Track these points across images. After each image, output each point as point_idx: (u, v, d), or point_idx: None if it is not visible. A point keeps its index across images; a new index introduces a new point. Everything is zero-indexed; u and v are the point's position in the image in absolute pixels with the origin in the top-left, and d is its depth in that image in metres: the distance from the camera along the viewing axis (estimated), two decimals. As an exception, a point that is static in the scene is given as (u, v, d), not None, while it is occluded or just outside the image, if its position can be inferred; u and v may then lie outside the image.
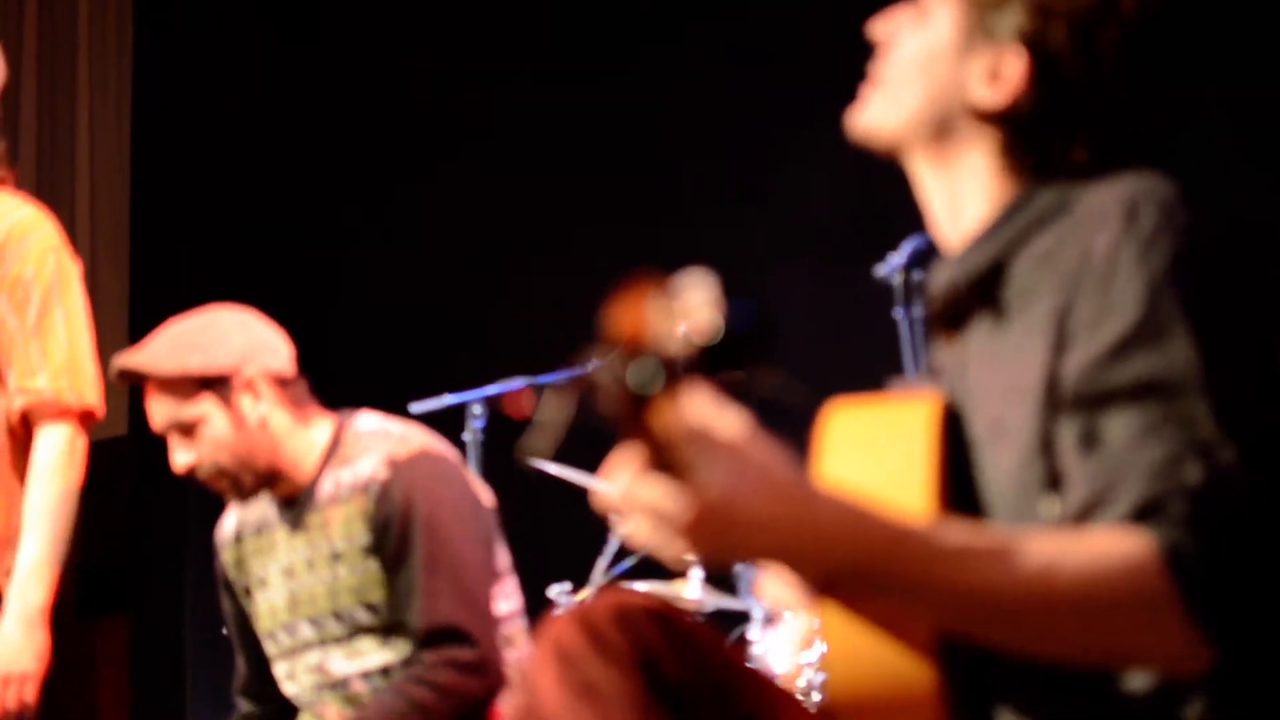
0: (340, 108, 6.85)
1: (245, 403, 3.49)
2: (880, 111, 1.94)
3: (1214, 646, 1.59)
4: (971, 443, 1.82)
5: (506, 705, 3.45)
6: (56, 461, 3.51)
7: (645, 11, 6.29)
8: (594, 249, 5.69)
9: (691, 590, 4.63)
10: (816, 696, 2.97)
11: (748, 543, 1.55)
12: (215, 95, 6.93)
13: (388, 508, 3.44)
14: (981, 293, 1.85)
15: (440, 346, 6.29)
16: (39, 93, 7.24)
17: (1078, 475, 1.67)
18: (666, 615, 1.82)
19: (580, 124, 6.30)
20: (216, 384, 3.48)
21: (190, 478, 3.57)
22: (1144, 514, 1.60)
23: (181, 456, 3.52)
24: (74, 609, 6.77)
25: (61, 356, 3.53)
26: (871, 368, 3.78)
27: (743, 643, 4.38)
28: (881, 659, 1.70)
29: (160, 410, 3.50)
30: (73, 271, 3.62)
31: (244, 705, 3.82)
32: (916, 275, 4.03)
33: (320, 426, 3.60)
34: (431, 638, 3.40)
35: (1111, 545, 1.59)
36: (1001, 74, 1.86)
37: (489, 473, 4.99)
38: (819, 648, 3.91)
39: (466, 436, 5.07)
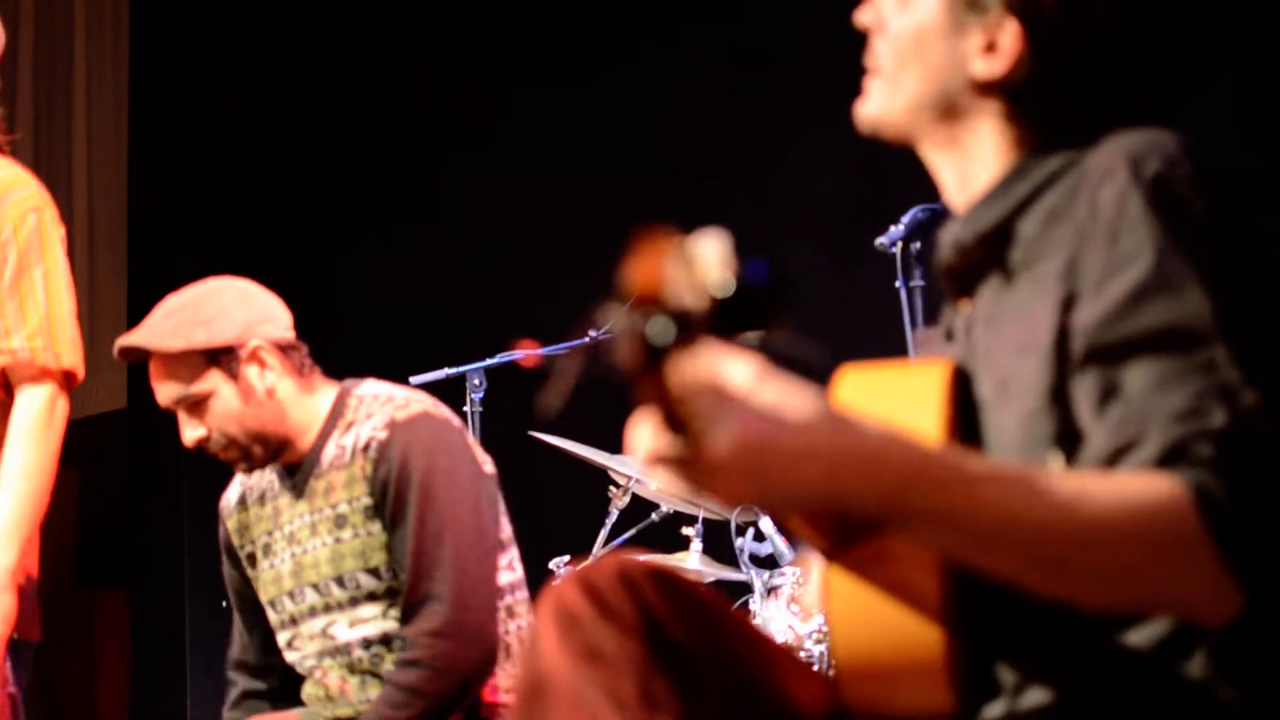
0: (338, 82, 6.84)
1: (252, 373, 3.49)
2: (884, 101, 1.94)
3: (1242, 590, 1.60)
4: (979, 404, 1.82)
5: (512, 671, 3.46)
6: (34, 423, 3.46)
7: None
8: (595, 221, 5.68)
9: (691, 561, 4.63)
10: (816, 668, 2.97)
11: (781, 480, 1.53)
12: (211, 75, 6.92)
13: (386, 467, 3.45)
14: (989, 252, 1.85)
15: (440, 319, 6.29)
16: (35, 76, 7.22)
17: (1099, 426, 1.67)
18: (669, 579, 1.82)
19: (580, 96, 6.29)
20: (222, 357, 3.48)
21: (198, 451, 3.57)
22: (1170, 458, 1.61)
23: (191, 431, 3.52)
24: (74, 581, 6.80)
25: (38, 317, 3.48)
26: (871, 338, 3.78)
27: (744, 614, 4.37)
28: (888, 623, 1.70)
29: (166, 388, 3.50)
30: (55, 233, 3.58)
31: (239, 680, 3.81)
32: (916, 246, 4.02)
33: (324, 393, 3.60)
34: (409, 610, 3.43)
35: (1141, 481, 1.60)
36: (997, 44, 1.86)
37: (488, 445, 4.97)
38: (819, 619, 3.94)
39: (466, 408, 5.06)
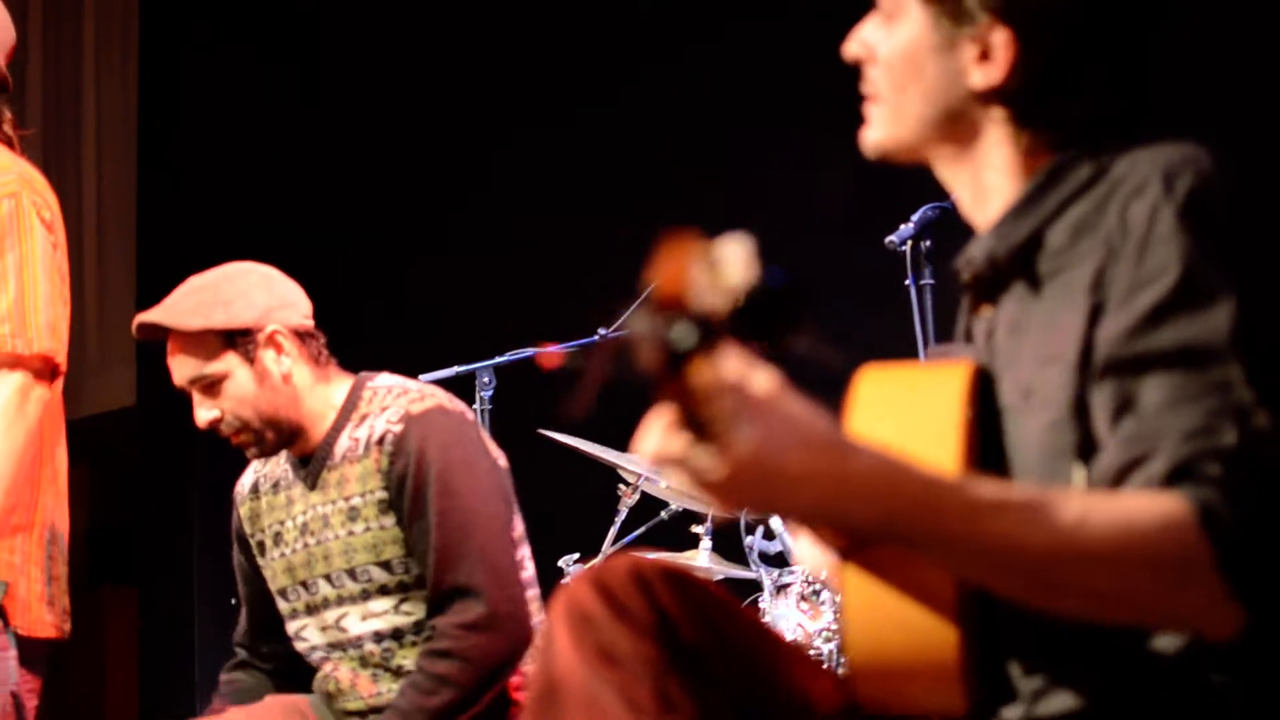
0: (349, 77, 6.83)
1: (269, 358, 3.50)
2: (888, 127, 1.93)
3: (1244, 609, 1.60)
4: (1001, 410, 1.82)
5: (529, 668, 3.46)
6: (3, 410, 3.42)
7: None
8: (605, 220, 5.69)
9: (701, 560, 4.63)
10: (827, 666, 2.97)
11: (785, 496, 1.56)
12: (220, 70, 6.91)
13: (402, 461, 3.45)
14: (1018, 263, 1.85)
15: (449, 316, 6.29)
16: (44, 72, 7.22)
17: (1112, 439, 1.67)
18: (682, 578, 1.81)
19: (595, 97, 6.29)
20: (241, 339, 3.49)
21: (208, 445, 3.57)
22: (1179, 476, 1.61)
23: (204, 413, 3.53)
24: (83, 578, 6.79)
25: (7, 303, 3.43)
26: (882, 337, 3.77)
27: (754, 612, 4.37)
28: (903, 623, 1.70)
29: (183, 367, 3.51)
30: (34, 218, 3.52)
31: (241, 654, 3.83)
32: (926, 244, 4.02)
33: (339, 384, 3.61)
34: (441, 601, 3.42)
35: (1145, 503, 1.60)
36: (990, 52, 1.84)
37: (497, 443, 4.99)
38: (829, 616, 3.94)
39: (475, 406, 5.06)
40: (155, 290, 3.64)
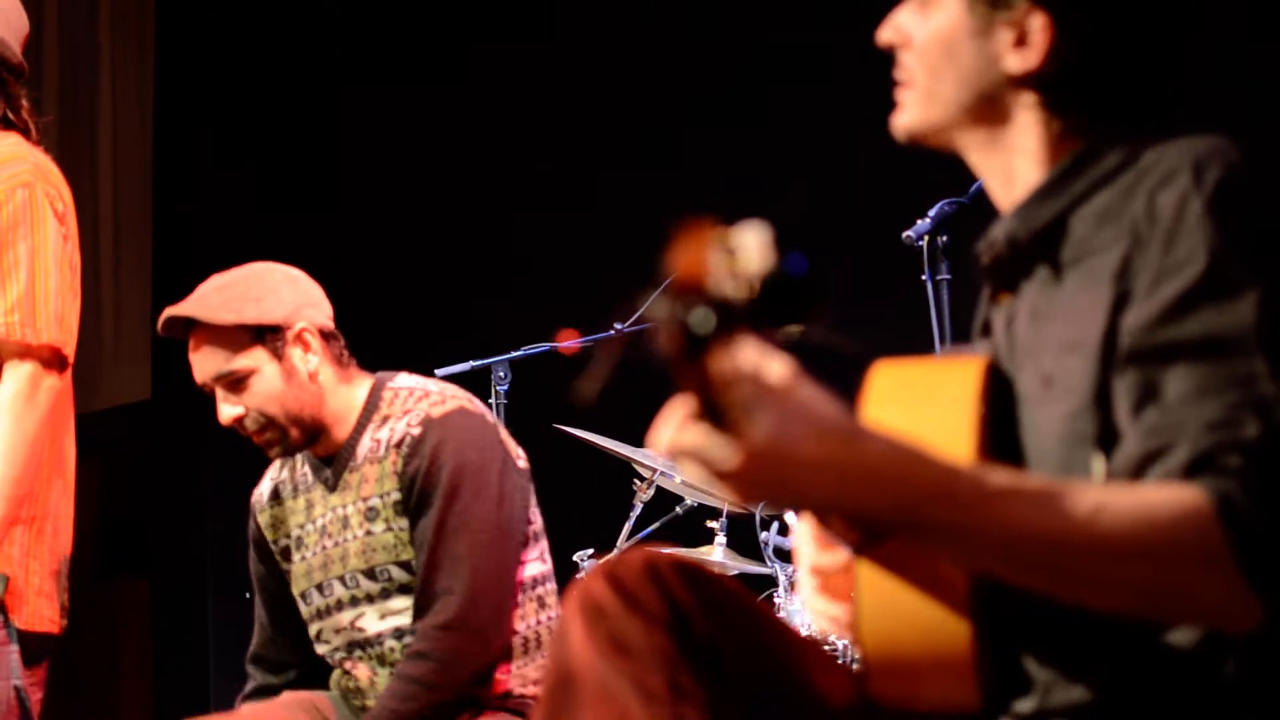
0: (362, 68, 6.84)
1: (296, 355, 3.50)
2: (920, 111, 1.93)
3: (1263, 603, 1.59)
4: (1018, 400, 1.82)
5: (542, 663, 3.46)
6: (13, 400, 3.43)
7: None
8: (623, 212, 5.68)
9: (715, 555, 4.63)
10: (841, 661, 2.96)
11: (799, 485, 1.55)
12: (236, 63, 6.92)
13: (417, 462, 3.45)
14: (1039, 248, 1.84)
15: (464, 311, 6.29)
16: (61, 65, 7.22)
17: (1133, 429, 1.67)
18: (695, 572, 1.81)
19: (610, 87, 6.28)
20: (270, 336, 3.49)
21: (225, 439, 3.56)
22: (1199, 467, 1.60)
23: (228, 409, 3.52)
24: (95, 572, 6.80)
25: (17, 292, 3.45)
26: (898, 332, 3.77)
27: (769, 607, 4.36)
28: (916, 617, 1.70)
29: (209, 362, 3.49)
30: (46, 209, 3.53)
31: (256, 676, 3.80)
32: (943, 239, 4.01)
33: (360, 385, 3.61)
34: (424, 600, 3.43)
35: (1164, 494, 1.60)
36: (1027, 37, 1.84)
37: (513, 436, 4.99)
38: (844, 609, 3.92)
39: (491, 401, 5.06)
40: (170, 284, 3.64)
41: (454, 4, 6.72)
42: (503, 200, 6.42)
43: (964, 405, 1.77)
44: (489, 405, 5.06)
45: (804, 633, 3.68)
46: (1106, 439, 1.71)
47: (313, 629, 3.66)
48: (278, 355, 3.49)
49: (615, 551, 4.78)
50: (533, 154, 6.38)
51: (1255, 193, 1.71)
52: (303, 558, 3.65)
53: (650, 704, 1.71)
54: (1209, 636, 1.67)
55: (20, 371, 3.46)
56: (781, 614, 4.15)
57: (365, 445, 3.54)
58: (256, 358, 3.48)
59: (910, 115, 1.94)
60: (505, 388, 5.09)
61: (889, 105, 1.96)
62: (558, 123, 6.38)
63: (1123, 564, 1.59)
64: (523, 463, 3.62)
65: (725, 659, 1.77)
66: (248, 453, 3.70)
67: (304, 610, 3.67)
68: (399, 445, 3.48)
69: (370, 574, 3.51)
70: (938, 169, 2.06)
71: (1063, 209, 1.82)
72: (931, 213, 4.01)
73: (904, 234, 4.03)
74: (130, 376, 7.02)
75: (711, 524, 4.69)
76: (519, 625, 3.51)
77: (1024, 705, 1.76)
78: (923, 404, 1.79)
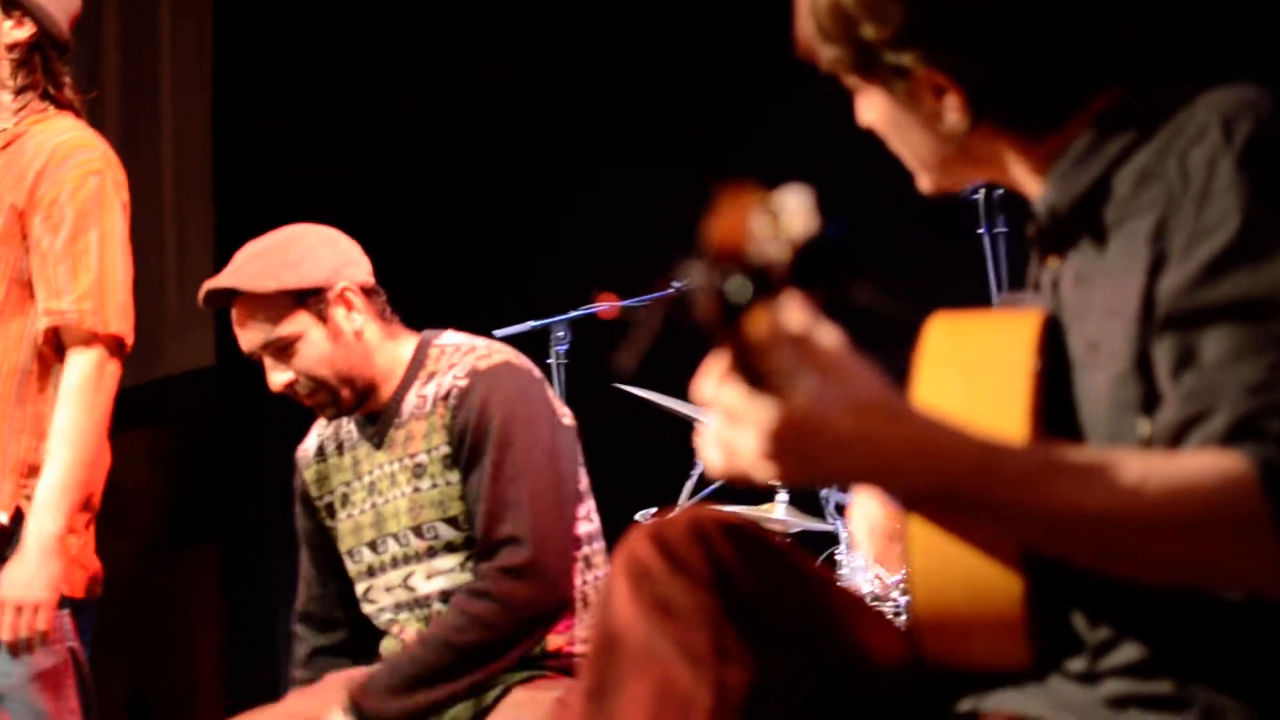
0: (413, 33, 6.84)
1: (340, 315, 3.49)
2: (924, 180, 1.95)
3: None
4: (1070, 363, 1.80)
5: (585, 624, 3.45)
6: (81, 386, 3.49)
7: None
8: (676, 171, 5.66)
9: (777, 512, 4.62)
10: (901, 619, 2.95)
11: (833, 460, 1.53)
12: (292, 26, 6.93)
13: (465, 414, 3.44)
14: (1081, 216, 1.82)
15: (524, 271, 6.29)
16: (121, 27, 7.26)
17: (1172, 395, 1.64)
18: (744, 531, 1.80)
19: (657, 47, 6.26)
20: (312, 299, 3.47)
21: (285, 402, 3.56)
22: (1239, 432, 1.57)
23: (278, 376, 3.51)
24: (167, 540, 6.87)
25: (89, 280, 3.51)
26: (955, 285, 3.74)
27: (831, 565, 4.36)
28: (967, 575, 1.69)
29: (254, 332, 3.48)
30: (115, 198, 3.59)
31: (307, 636, 3.80)
32: (999, 192, 3.98)
33: (405, 342, 3.61)
34: (489, 548, 3.41)
35: (1204, 462, 1.57)
36: (943, 94, 1.83)
37: (572, 397, 4.98)
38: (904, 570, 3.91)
39: (550, 361, 5.07)
40: (233, 252, 3.64)
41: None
42: (564, 158, 6.41)
43: (1020, 362, 1.75)
44: (548, 366, 5.07)
45: (866, 591, 3.69)
46: (1151, 404, 1.68)
47: (360, 587, 3.66)
48: (322, 317, 3.48)
49: (677, 509, 4.78)
50: (596, 112, 6.37)
51: None
52: (349, 515, 3.65)
53: (694, 665, 1.71)
54: (1259, 599, 1.64)
55: (87, 358, 3.51)
56: (843, 571, 4.14)
57: (411, 401, 3.53)
58: (301, 322, 3.47)
59: (921, 183, 1.96)
60: (565, 348, 5.09)
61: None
62: (619, 79, 6.36)
63: (1165, 537, 1.57)
64: (568, 420, 3.61)
65: (772, 618, 1.75)
66: (311, 414, 3.70)
67: (351, 568, 3.67)
68: (445, 398, 3.46)
69: (418, 531, 3.51)
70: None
71: (1101, 173, 1.79)
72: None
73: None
74: (195, 343, 7.06)
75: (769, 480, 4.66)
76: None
77: (1075, 665, 1.75)
78: (979, 359, 1.78)
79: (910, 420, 1.56)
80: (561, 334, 5.08)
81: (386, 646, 3.63)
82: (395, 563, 3.57)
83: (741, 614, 1.74)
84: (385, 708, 3.35)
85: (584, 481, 3.60)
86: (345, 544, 3.68)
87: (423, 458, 3.49)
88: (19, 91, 3.66)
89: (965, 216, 4.07)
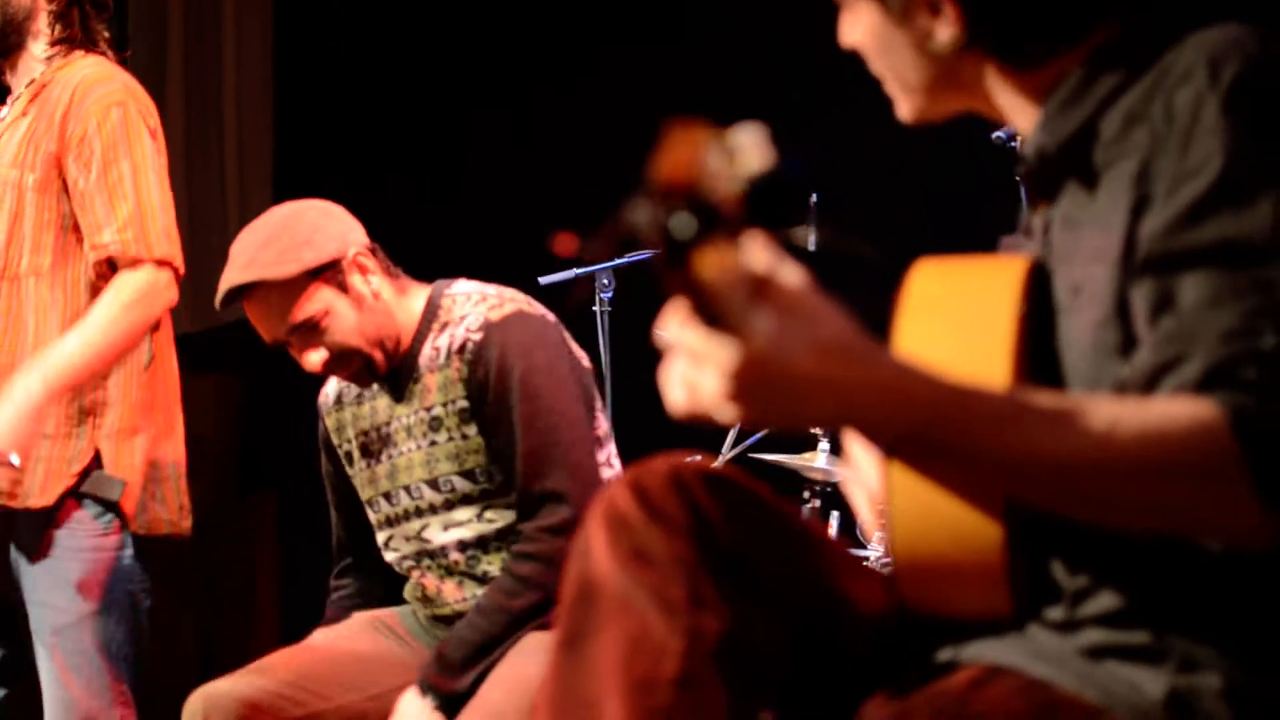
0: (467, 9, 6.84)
1: (358, 282, 3.49)
2: (905, 105, 1.92)
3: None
4: (1054, 308, 1.78)
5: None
6: (117, 292, 3.51)
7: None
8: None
9: (819, 461, 4.61)
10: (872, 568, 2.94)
11: (797, 402, 1.51)
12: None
13: (484, 368, 3.44)
14: (1070, 158, 1.80)
15: (567, 220, 6.29)
16: (185, 13, 7.28)
17: (1148, 339, 1.63)
18: (723, 480, 1.80)
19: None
20: (330, 272, 3.47)
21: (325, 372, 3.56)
22: (1214, 378, 1.56)
23: (314, 355, 3.49)
24: (236, 487, 6.93)
25: (127, 209, 3.53)
26: (990, 228, 3.71)
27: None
28: (947, 521, 1.68)
29: (281, 318, 3.46)
30: (141, 126, 3.60)
31: (341, 587, 3.86)
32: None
33: (416, 295, 3.61)
34: (528, 507, 3.42)
35: (1177, 408, 1.55)
36: (939, 6, 1.81)
37: (618, 345, 4.98)
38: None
39: (595, 309, 5.07)
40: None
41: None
42: (594, 108, 6.39)
43: (1005, 306, 1.74)
44: (594, 313, 5.08)
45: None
46: (1130, 349, 1.67)
47: (381, 536, 3.68)
48: (343, 288, 3.47)
49: (722, 457, 4.79)
50: (611, 66, 6.35)
51: (1277, 85, 1.64)
52: (367, 465, 3.67)
53: (670, 615, 1.70)
54: (1234, 549, 1.63)
55: (134, 276, 3.53)
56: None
57: (426, 353, 3.53)
58: (325, 298, 3.45)
59: (902, 110, 1.93)
60: (610, 295, 5.09)
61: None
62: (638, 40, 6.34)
63: (1137, 483, 1.55)
64: (586, 363, 3.61)
65: (751, 568, 1.75)
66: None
67: (372, 517, 3.70)
68: (460, 351, 3.47)
69: (434, 484, 3.53)
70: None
71: (1089, 115, 1.77)
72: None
73: (994, 135, 3.98)
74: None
75: (815, 429, 4.65)
76: None
77: (1054, 613, 1.74)
78: (964, 304, 1.77)
79: (876, 362, 1.54)
80: (606, 281, 5.08)
81: (409, 591, 3.67)
82: (409, 515, 3.59)
83: (719, 563, 1.73)
84: (460, 683, 3.39)
85: (604, 426, 3.60)
86: (364, 493, 3.70)
87: (438, 411, 3.50)
88: (54, 43, 3.68)
89: (1003, 161, 4.04)
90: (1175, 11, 1.81)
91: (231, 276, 3.43)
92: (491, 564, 3.50)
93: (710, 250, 1.39)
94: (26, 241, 3.57)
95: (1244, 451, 1.53)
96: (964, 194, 4.90)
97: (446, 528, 3.53)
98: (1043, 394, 1.62)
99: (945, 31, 1.81)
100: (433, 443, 3.51)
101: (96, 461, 3.56)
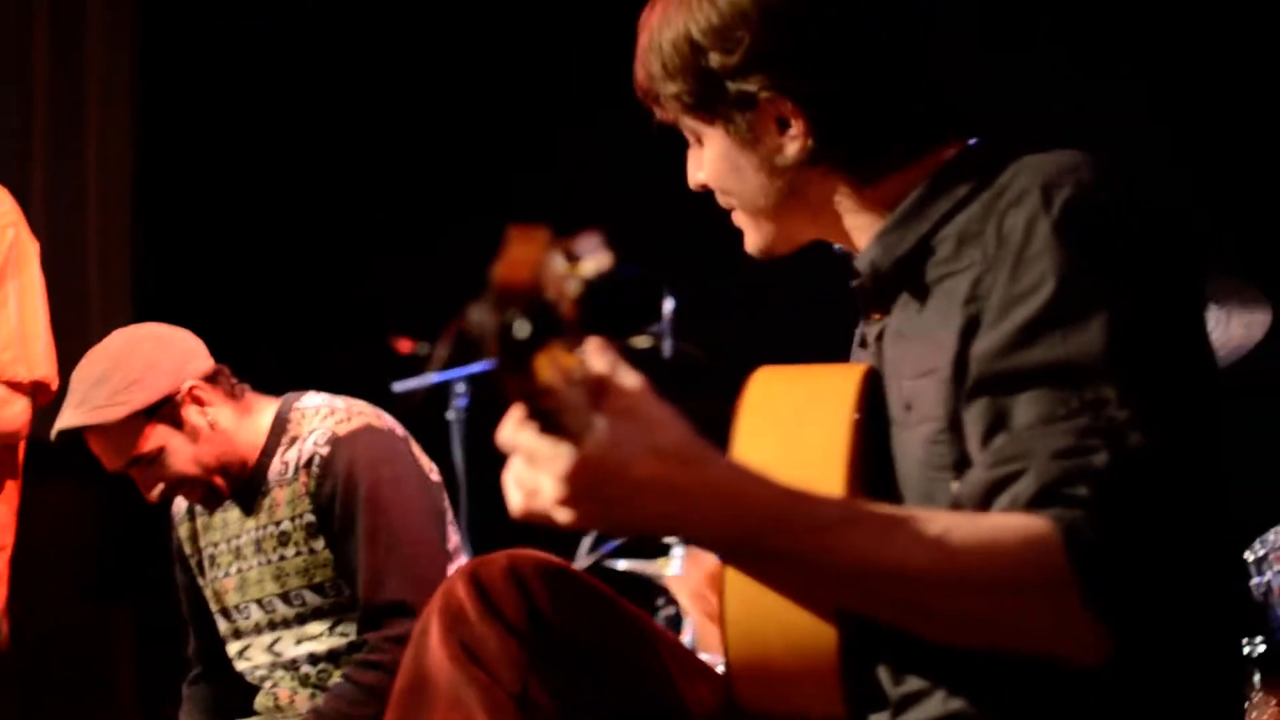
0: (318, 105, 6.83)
1: (193, 414, 3.45)
2: (754, 234, 1.94)
3: (1111, 636, 1.55)
4: (888, 419, 1.80)
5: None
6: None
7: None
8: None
9: (673, 569, 4.62)
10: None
11: (632, 505, 1.48)
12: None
13: (330, 483, 3.42)
14: (903, 274, 1.82)
15: (424, 326, 6.28)
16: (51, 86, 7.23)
17: (982, 457, 1.63)
18: (562, 574, 1.82)
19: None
20: (164, 410, 3.42)
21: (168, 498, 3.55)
22: (1047, 495, 1.56)
23: (151, 490, 3.47)
24: (88, 595, 6.82)
25: (8, 330, 3.52)
26: (839, 335, 3.75)
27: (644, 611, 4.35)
28: (782, 623, 1.68)
29: (117, 456, 3.43)
30: (30, 248, 3.60)
31: (192, 696, 3.81)
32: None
33: (263, 410, 3.57)
34: (373, 616, 3.40)
35: (1010, 522, 1.56)
36: (786, 122, 1.84)
37: (474, 451, 4.97)
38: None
39: (450, 415, 5.07)
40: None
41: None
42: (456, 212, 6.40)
43: (840, 422, 1.75)
44: (448, 421, 5.08)
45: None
46: (962, 467, 1.68)
47: (232, 647, 3.64)
48: (177, 423, 3.43)
49: (576, 563, 4.79)
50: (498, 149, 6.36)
51: (1108, 209, 1.67)
52: (217, 577, 3.64)
53: (496, 714, 1.72)
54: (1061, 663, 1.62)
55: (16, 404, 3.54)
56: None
57: (275, 468, 3.50)
58: (159, 435, 3.41)
59: (750, 241, 1.94)
60: (465, 402, 5.08)
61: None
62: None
63: (968, 595, 1.55)
64: (435, 476, 3.60)
65: (585, 664, 1.77)
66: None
67: (223, 627, 3.66)
68: (308, 465, 3.45)
69: (286, 598, 3.50)
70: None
71: (924, 233, 1.80)
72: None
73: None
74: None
75: (668, 538, 4.67)
76: None
77: (880, 718, 1.75)
78: (799, 413, 1.78)
79: (709, 465, 1.51)
80: (460, 389, 5.07)
81: (260, 702, 3.63)
82: (260, 628, 3.56)
83: (553, 661, 1.75)
84: None
85: (455, 540, 3.59)
86: (215, 605, 3.67)
87: (286, 525, 3.48)
88: None
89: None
90: (1019, 131, 1.83)
91: (64, 418, 3.39)
92: None
93: (548, 354, 1.37)
94: None
95: (1075, 566, 1.53)
96: (814, 301, 4.94)
97: (299, 641, 3.50)
98: (876, 503, 1.62)
99: (793, 145, 1.83)
100: (282, 557, 3.50)
101: None
